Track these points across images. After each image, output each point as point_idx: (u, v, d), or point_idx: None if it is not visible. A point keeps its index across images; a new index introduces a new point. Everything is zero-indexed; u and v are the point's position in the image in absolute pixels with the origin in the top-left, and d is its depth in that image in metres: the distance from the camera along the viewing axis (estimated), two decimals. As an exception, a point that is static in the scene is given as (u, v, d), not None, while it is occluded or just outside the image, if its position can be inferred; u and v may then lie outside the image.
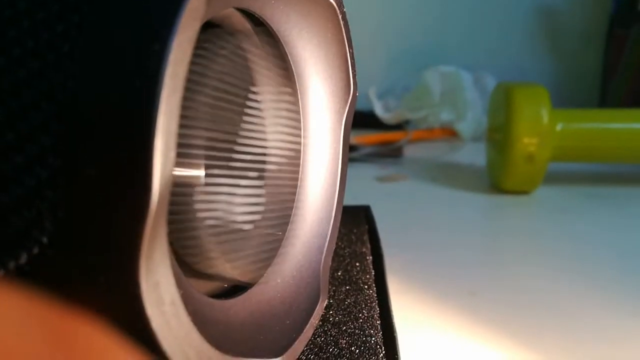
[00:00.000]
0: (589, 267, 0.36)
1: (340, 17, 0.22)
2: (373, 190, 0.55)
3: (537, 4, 0.89)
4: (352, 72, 0.24)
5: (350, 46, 0.23)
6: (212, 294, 0.19)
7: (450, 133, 0.77)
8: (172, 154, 0.12)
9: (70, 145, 0.12)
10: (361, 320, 0.25)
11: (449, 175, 0.61)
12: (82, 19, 0.13)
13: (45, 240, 0.12)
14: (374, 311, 0.26)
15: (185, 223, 0.16)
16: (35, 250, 0.12)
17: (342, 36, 0.23)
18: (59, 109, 0.13)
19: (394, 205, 0.49)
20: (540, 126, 0.48)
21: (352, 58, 0.24)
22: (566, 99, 0.88)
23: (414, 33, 0.90)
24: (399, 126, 0.78)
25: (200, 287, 0.19)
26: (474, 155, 0.69)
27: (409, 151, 0.70)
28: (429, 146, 0.75)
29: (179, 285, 0.14)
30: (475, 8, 0.89)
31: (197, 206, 0.17)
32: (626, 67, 0.79)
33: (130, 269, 0.12)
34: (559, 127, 0.50)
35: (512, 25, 0.89)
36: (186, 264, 0.18)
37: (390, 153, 0.66)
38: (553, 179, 0.55)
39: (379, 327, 0.25)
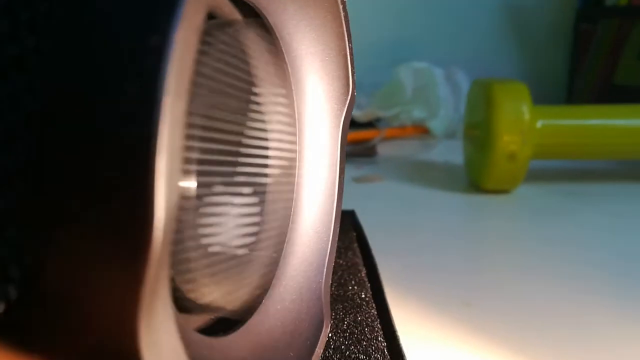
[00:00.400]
0: (579, 269, 0.35)
1: (341, 7, 0.20)
2: (350, 191, 0.52)
3: (505, 0, 0.88)
4: (352, 70, 0.21)
5: (349, 41, 0.21)
6: (207, 330, 0.17)
7: (422, 130, 0.75)
8: (178, 177, 0.10)
9: (41, 168, 0.09)
10: (365, 343, 0.23)
11: (426, 174, 0.60)
12: (53, 4, 0.10)
13: (13, 293, 0.09)
14: (377, 332, 0.23)
15: (181, 251, 0.14)
16: (0, 308, 0.09)
17: (342, 29, 0.20)
18: (25, 119, 0.10)
19: (374, 208, 0.47)
20: (521, 124, 0.47)
21: (352, 54, 0.21)
22: (534, 94, 0.88)
23: (382, 29, 0.88)
24: (370, 124, 0.76)
25: (195, 323, 0.16)
26: (448, 153, 0.67)
27: (382, 150, 0.68)
28: (401, 144, 0.73)
29: (180, 331, 0.12)
30: (444, 4, 0.88)
31: (195, 230, 0.14)
32: (593, 62, 0.79)
33: (126, 327, 0.09)
34: (539, 124, 0.49)
35: (480, 20, 0.89)
36: (178, 296, 0.15)
37: (364, 152, 0.64)
38: (532, 176, 0.54)
39: (385, 350, 0.22)
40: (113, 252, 0.09)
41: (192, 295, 0.14)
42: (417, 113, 0.73)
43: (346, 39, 0.21)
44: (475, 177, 0.52)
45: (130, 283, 0.09)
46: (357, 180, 0.56)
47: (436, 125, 0.73)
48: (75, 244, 0.09)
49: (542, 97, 0.89)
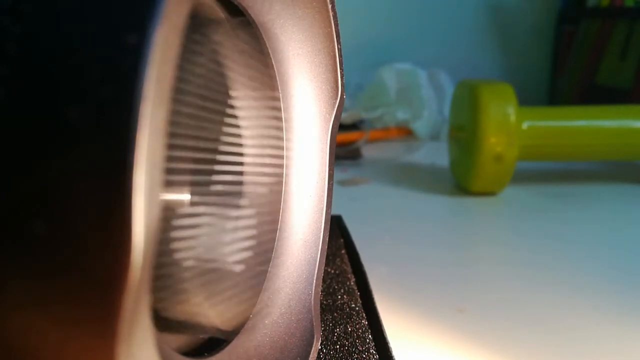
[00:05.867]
0: (571, 271, 0.34)
1: (330, 7, 0.19)
2: (336, 195, 0.51)
3: (487, 1, 0.88)
4: (340, 72, 0.21)
5: (339, 42, 0.20)
6: (192, 351, 0.15)
7: (406, 132, 0.75)
8: (159, 192, 0.09)
9: (5, 186, 0.08)
10: (356, 356, 0.22)
11: (412, 176, 0.59)
12: (17, 2, 0.09)
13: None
14: (368, 344, 0.23)
15: (162, 266, 0.13)
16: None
17: (331, 30, 0.19)
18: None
19: (361, 212, 0.47)
20: (508, 125, 0.47)
21: (341, 56, 0.20)
22: (516, 95, 0.88)
23: (365, 30, 0.87)
24: (354, 126, 0.75)
25: (178, 343, 0.15)
26: (432, 155, 0.67)
27: (366, 151, 0.68)
28: (385, 146, 0.73)
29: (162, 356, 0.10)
30: (426, 5, 0.88)
31: (177, 243, 0.13)
32: (575, 62, 0.80)
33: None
34: (525, 125, 0.49)
35: (463, 21, 0.89)
36: (159, 315, 0.14)
37: (349, 155, 0.63)
38: (518, 178, 0.53)
39: (377, 363, 0.21)
40: (85, 281, 0.08)
41: (172, 315, 0.13)
42: (401, 114, 0.73)
43: (335, 40, 0.20)
44: (462, 179, 0.52)
45: (106, 318, 0.08)
46: (343, 183, 0.55)
47: (420, 126, 0.72)
48: (44, 274, 0.08)
49: (525, 98, 0.89)
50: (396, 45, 0.88)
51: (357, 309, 0.25)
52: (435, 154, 0.66)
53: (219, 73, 0.16)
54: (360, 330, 0.24)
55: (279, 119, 0.20)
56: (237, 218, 0.15)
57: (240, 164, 0.17)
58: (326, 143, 0.21)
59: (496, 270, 0.35)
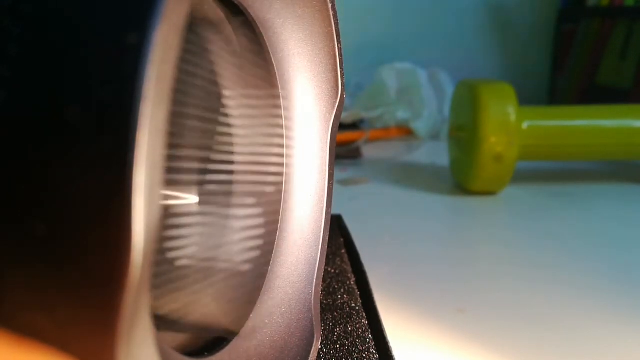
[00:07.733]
0: (570, 271, 0.34)
1: (330, 6, 0.19)
2: (336, 194, 0.51)
3: (487, 0, 0.88)
4: (341, 71, 0.21)
5: (339, 41, 0.20)
6: (192, 350, 0.15)
7: (406, 132, 0.75)
8: (159, 192, 0.09)
9: (5, 186, 0.08)
10: (356, 356, 0.22)
11: (411, 176, 0.59)
12: (17, 2, 0.09)
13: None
14: (368, 343, 0.23)
15: (163, 264, 0.13)
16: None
17: (331, 29, 0.19)
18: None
19: (361, 211, 0.47)
20: (508, 125, 0.47)
21: (341, 55, 0.20)
22: (516, 94, 0.88)
23: (365, 30, 0.87)
24: (354, 125, 0.75)
25: (178, 343, 0.15)
26: (432, 154, 0.67)
27: (366, 151, 0.68)
28: (385, 146, 0.73)
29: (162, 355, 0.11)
30: (427, 4, 0.88)
31: (178, 242, 0.13)
32: (575, 62, 0.80)
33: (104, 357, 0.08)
34: (525, 125, 0.49)
35: (463, 21, 0.89)
36: (157, 316, 0.14)
37: (349, 154, 0.63)
38: (518, 178, 0.53)
39: (377, 363, 0.21)
40: (85, 280, 0.08)
41: (172, 314, 0.13)
42: (401, 114, 0.73)
43: (335, 39, 0.20)
44: (462, 178, 0.52)
45: (106, 317, 0.08)
46: (343, 182, 0.55)
47: (420, 126, 0.72)
48: (43, 275, 0.08)
49: (525, 98, 0.89)
50: (396, 44, 0.88)
51: (357, 308, 0.25)
52: (435, 154, 0.66)
53: (212, 74, 0.16)
54: (360, 330, 0.24)
55: (281, 117, 0.20)
56: (244, 217, 0.15)
57: (229, 162, 0.17)
58: (326, 143, 0.21)
59: (496, 270, 0.35)
